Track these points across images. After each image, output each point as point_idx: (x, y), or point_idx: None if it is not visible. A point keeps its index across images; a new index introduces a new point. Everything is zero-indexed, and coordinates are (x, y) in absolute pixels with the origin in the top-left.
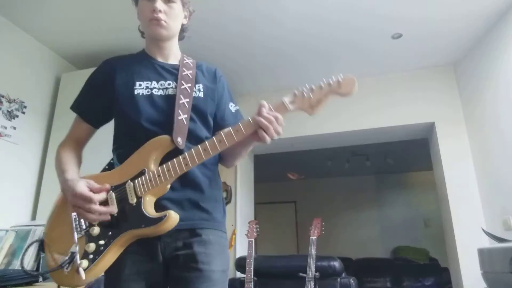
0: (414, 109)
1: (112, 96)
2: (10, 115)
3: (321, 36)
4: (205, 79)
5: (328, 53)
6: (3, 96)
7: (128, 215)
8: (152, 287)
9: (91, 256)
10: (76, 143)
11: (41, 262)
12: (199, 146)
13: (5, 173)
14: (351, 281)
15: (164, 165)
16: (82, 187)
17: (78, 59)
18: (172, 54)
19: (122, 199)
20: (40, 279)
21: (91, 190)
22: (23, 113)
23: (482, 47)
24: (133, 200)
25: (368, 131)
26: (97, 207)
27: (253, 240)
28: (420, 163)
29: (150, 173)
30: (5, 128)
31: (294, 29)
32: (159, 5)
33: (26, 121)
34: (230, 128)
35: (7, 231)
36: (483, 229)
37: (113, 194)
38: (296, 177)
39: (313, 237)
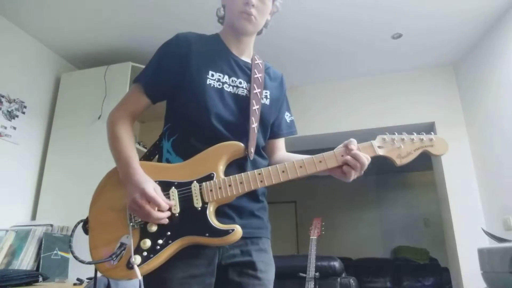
0: (414, 110)
1: (183, 75)
2: (10, 115)
3: (322, 35)
4: (272, 85)
5: (328, 53)
6: (3, 96)
7: (191, 219)
8: None
9: (145, 254)
10: (132, 116)
11: (41, 262)
12: (277, 166)
13: (5, 173)
14: (351, 281)
15: (236, 176)
16: (152, 190)
17: (78, 59)
18: (247, 50)
19: (185, 200)
20: (40, 279)
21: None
22: (23, 113)
23: (482, 47)
24: (198, 204)
25: (369, 131)
26: (162, 214)
27: None
28: (420, 163)
29: (220, 180)
30: (5, 128)
31: (295, 25)
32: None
33: (26, 121)
34: (313, 157)
35: (7, 231)
36: (483, 229)
37: (176, 192)
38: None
39: (313, 237)
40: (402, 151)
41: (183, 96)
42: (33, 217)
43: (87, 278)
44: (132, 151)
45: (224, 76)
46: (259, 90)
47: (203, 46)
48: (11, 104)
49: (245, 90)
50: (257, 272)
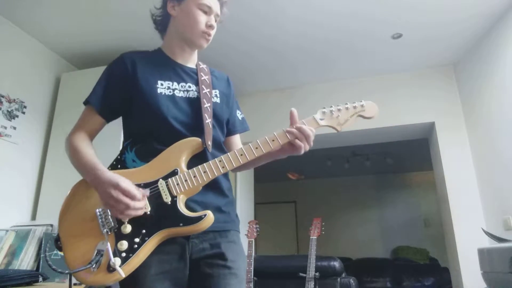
0: (414, 109)
1: (133, 90)
2: (10, 115)
3: (322, 35)
4: (220, 85)
5: (328, 53)
6: (3, 96)
7: (162, 213)
8: (176, 286)
9: (123, 255)
10: (89, 135)
11: (41, 262)
12: (235, 150)
13: (5, 173)
14: (351, 281)
15: (199, 167)
16: (127, 182)
17: (78, 59)
18: (191, 58)
19: (154, 198)
20: (40, 279)
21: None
22: (23, 113)
23: (482, 47)
24: (167, 199)
25: (368, 131)
26: (138, 203)
27: (253, 240)
28: (420, 163)
29: (185, 174)
30: (5, 128)
31: (294, 24)
32: (214, 22)
33: (26, 121)
34: (266, 137)
35: (7, 231)
36: (483, 229)
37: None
38: (296, 177)
39: (313, 237)
40: (340, 119)
41: (137, 109)
42: (33, 217)
43: None
44: (95, 158)
45: (173, 83)
46: (208, 90)
47: (148, 61)
48: (11, 104)
49: (196, 92)
50: (227, 262)
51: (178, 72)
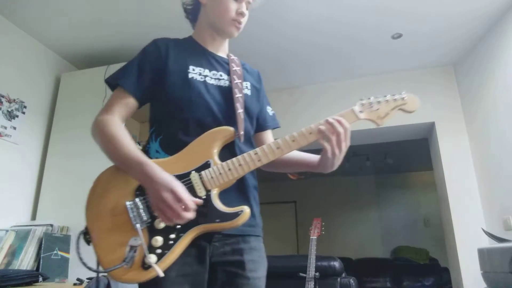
0: None
1: (163, 73)
2: (10, 115)
3: (322, 34)
4: (251, 78)
5: (328, 53)
6: (3, 96)
7: (197, 208)
8: None
9: (158, 251)
10: (121, 120)
11: (41, 262)
12: (270, 143)
13: (5, 173)
14: (351, 281)
15: (234, 160)
16: (183, 189)
17: (78, 59)
18: (222, 47)
19: (188, 191)
20: (40, 279)
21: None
22: (23, 113)
23: (482, 47)
24: (202, 193)
25: (368, 131)
26: (190, 214)
27: None
28: (420, 163)
29: (219, 166)
30: (5, 128)
31: (294, 24)
32: (245, 9)
33: (26, 121)
34: (303, 129)
35: (7, 231)
36: (483, 229)
37: None
38: (296, 177)
39: (313, 237)
40: (381, 112)
41: (167, 93)
42: (33, 217)
43: (87, 278)
44: (137, 150)
45: (205, 70)
46: (240, 81)
47: (180, 47)
48: (11, 104)
49: (227, 82)
50: (246, 272)
51: (209, 60)
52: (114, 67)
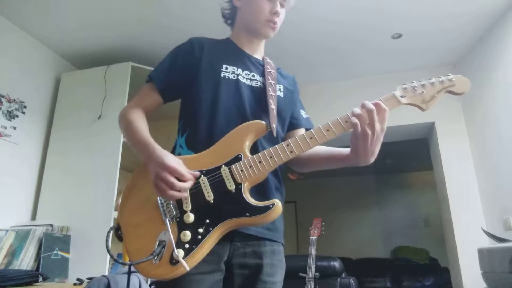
0: (414, 109)
1: (196, 71)
2: (10, 115)
3: (322, 34)
4: (285, 81)
5: (328, 53)
6: (3, 96)
7: (227, 202)
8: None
9: (187, 246)
10: (144, 110)
11: (41, 262)
12: (303, 134)
13: (5, 173)
14: (351, 281)
15: (265, 152)
16: (173, 160)
17: (78, 59)
18: (259, 50)
19: (217, 185)
20: (40, 279)
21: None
22: (23, 113)
23: (482, 47)
24: (231, 187)
25: None
26: (183, 184)
27: None
28: (420, 163)
29: (250, 159)
30: (5, 128)
31: (295, 26)
32: (280, 9)
33: (26, 121)
34: (338, 118)
35: (7, 231)
36: (483, 229)
37: (206, 179)
38: (296, 177)
39: (313, 237)
40: (425, 95)
41: (198, 89)
42: (33, 217)
43: (87, 278)
44: (147, 133)
45: (238, 69)
46: (274, 82)
47: (216, 46)
48: (11, 104)
49: (259, 82)
50: (264, 276)
51: (244, 61)
52: (114, 67)
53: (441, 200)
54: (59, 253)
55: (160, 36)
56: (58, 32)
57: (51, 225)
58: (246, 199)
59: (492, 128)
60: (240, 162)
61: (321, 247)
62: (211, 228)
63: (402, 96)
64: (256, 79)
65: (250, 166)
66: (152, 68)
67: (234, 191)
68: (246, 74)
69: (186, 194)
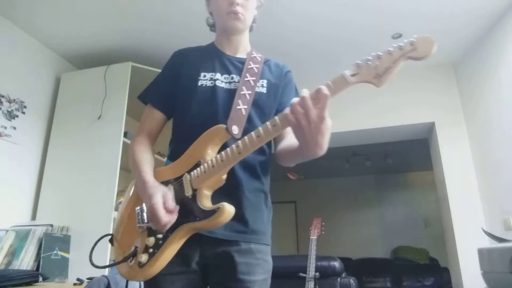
0: (414, 109)
1: (178, 85)
2: (10, 115)
3: (322, 35)
4: (270, 74)
5: (328, 53)
6: (3, 96)
7: (184, 208)
8: None
9: (150, 250)
10: (148, 136)
11: (41, 262)
12: (252, 132)
13: (5, 173)
14: (351, 281)
15: (218, 155)
16: (158, 201)
17: (78, 59)
18: (241, 47)
19: (179, 192)
20: (40, 279)
21: (165, 205)
22: (23, 113)
23: (482, 47)
24: (188, 193)
25: (368, 131)
26: (163, 219)
27: None
28: (420, 163)
29: (205, 164)
30: (5, 128)
31: (294, 28)
32: None
33: (26, 121)
34: (284, 110)
35: (7, 231)
36: (483, 229)
37: (172, 187)
38: (296, 177)
39: (313, 237)
40: (379, 68)
41: (179, 104)
42: (33, 217)
43: (87, 278)
44: (143, 164)
45: (216, 74)
46: (253, 78)
47: (198, 55)
48: (11, 104)
49: (237, 83)
50: (238, 275)
51: (224, 64)
52: (114, 67)
53: (441, 200)
54: (59, 253)
55: (160, 36)
56: (58, 32)
57: (51, 225)
58: (199, 203)
59: (493, 128)
60: (198, 168)
61: (321, 247)
62: (169, 234)
63: (352, 75)
64: (234, 81)
65: (205, 172)
66: (152, 68)
67: (190, 196)
68: (225, 78)
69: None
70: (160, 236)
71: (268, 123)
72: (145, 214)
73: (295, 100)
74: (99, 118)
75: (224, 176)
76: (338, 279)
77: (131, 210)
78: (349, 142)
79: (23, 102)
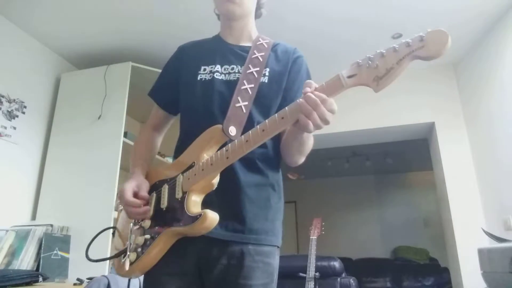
0: (414, 109)
1: (179, 81)
2: (10, 115)
3: (322, 35)
4: (275, 61)
5: (328, 53)
6: (3, 96)
7: (173, 210)
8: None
9: (139, 250)
10: (153, 129)
11: (41, 262)
12: (242, 136)
13: (5, 173)
14: (351, 281)
15: (208, 158)
16: (128, 190)
17: (78, 59)
18: (245, 35)
19: (171, 193)
20: (40, 279)
21: (136, 194)
22: (23, 113)
23: (482, 47)
24: (179, 195)
25: (368, 131)
26: (135, 210)
27: None
28: (420, 163)
29: (196, 167)
30: (5, 128)
31: (294, 26)
32: None
33: (26, 121)
34: (276, 114)
35: (7, 231)
36: (483, 229)
37: (167, 187)
38: (296, 177)
39: (313, 237)
40: (380, 69)
41: (181, 100)
42: (33, 217)
43: (87, 278)
44: (137, 159)
45: (216, 66)
46: (257, 69)
47: (199, 48)
48: (11, 104)
49: (237, 75)
50: (233, 277)
51: (225, 54)
52: (114, 67)
53: (441, 200)
54: (59, 253)
55: (160, 37)
56: (58, 32)
57: (51, 225)
58: (185, 208)
59: (492, 128)
60: (190, 170)
61: (321, 247)
62: (157, 235)
63: (349, 77)
64: (234, 72)
65: (195, 174)
66: (152, 68)
67: (179, 199)
68: (224, 69)
69: (143, 216)
70: (148, 236)
71: (258, 126)
72: None
73: (309, 91)
74: (99, 118)
75: (215, 181)
76: (338, 279)
77: None
78: (349, 142)
79: (23, 102)
